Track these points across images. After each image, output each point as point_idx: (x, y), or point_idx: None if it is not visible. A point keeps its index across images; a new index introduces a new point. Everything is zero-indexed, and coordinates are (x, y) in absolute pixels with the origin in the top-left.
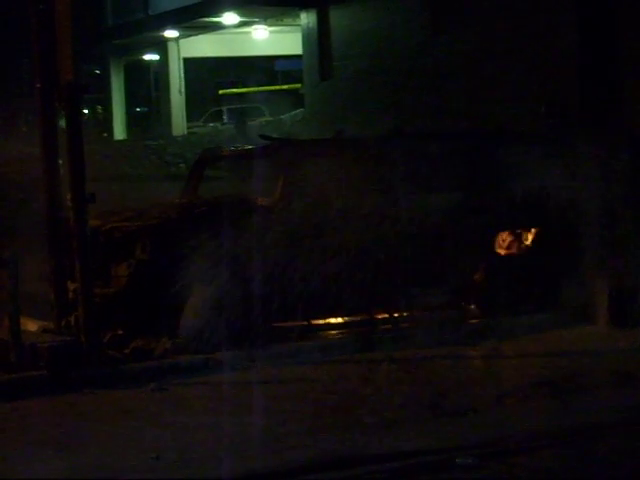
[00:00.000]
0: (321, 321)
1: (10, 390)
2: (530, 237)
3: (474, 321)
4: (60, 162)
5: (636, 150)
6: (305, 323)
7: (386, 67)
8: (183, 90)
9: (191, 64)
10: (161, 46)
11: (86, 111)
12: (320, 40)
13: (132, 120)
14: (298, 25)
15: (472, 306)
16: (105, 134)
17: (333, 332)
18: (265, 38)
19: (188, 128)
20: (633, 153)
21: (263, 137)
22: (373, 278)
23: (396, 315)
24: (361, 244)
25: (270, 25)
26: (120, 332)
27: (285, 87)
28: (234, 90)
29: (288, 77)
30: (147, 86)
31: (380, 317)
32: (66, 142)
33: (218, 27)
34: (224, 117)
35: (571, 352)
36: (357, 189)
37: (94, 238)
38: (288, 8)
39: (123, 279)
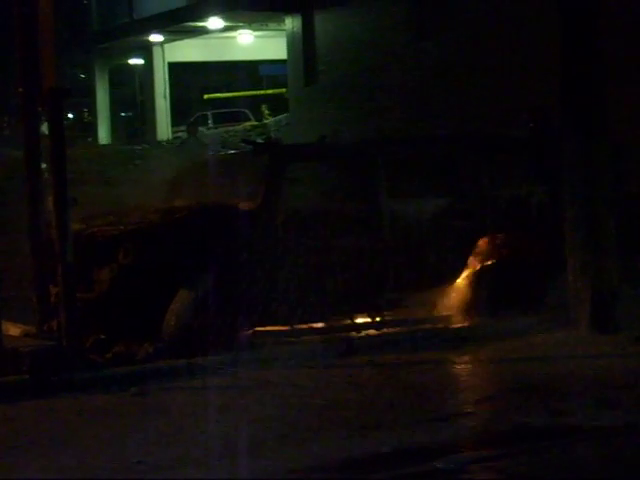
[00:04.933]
0: (304, 326)
1: None
2: (511, 241)
3: (457, 325)
4: (43, 166)
5: (618, 154)
6: (288, 328)
7: (371, 72)
8: (168, 95)
9: (176, 69)
10: (146, 50)
11: (71, 115)
12: (305, 45)
13: (117, 125)
14: (283, 30)
15: (453, 310)
16: (90, 138)
17: (315, 337)
18: (250, 43)
19: (173, 133)
20: (615, 157)
21: (246, 142)
22: (356, 283)
23: (378, 320)
24: (344, 249)
25: (255, 30)
26: (102, 337)
27: (270, 92)
28: (219, 95)
29: (273, 82)
30: (132, 91)
31: (362, 322)
32: (49, 146)
33: (203, 32)
34: (209, 122)
35: (553, 357)
36: (340, 194)
37: (76, 242)
38: (273, 13)
39: (105, 283)
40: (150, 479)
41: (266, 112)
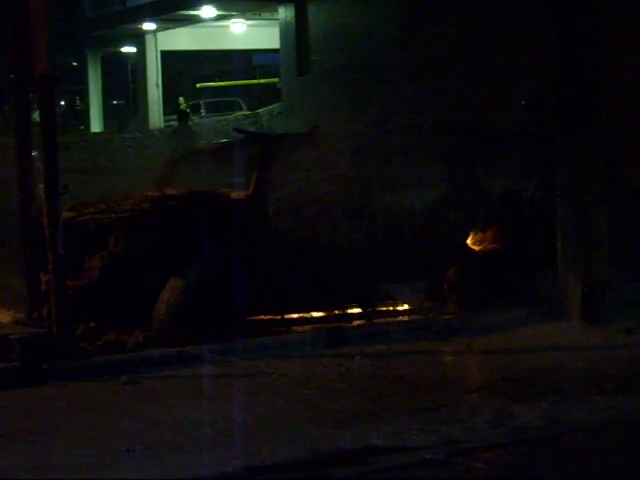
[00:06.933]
0: (295, 315)
1: None
2: (504, 233)
3: (447, 317)
4: (34, 154)
5: (610, 147)
6: (279, 317)
7: (363, 62)
8: (160, 83)
9: (169, 57)
10: (139, 39)
11: (62, 103)
12: (298, 35)
13: (109, 113)
14: (276, 19)
15: (446, 302)
16: (82, 126)
17: (306, 326)
18: (243, 32)
19: (165, 121)
20: (607, 150)
21: (238, 131)
22: (347, 273)
23: (369, 310)
24: (335, 239)
25: (248, 19)
26: (92, 324)
27: (262, 81)
28: (211, 84)
29: (266, 71)
30: (124, 79)
31: (353, 312)
32: (40, 133)
33: (196, 20)
34: (202, 110)
35: (543, 349)
36: (331, 184)
37: (67, 230)
38: (266, 2)
39: (96, 271)
40: (137, 467)
41: (183, 104)
